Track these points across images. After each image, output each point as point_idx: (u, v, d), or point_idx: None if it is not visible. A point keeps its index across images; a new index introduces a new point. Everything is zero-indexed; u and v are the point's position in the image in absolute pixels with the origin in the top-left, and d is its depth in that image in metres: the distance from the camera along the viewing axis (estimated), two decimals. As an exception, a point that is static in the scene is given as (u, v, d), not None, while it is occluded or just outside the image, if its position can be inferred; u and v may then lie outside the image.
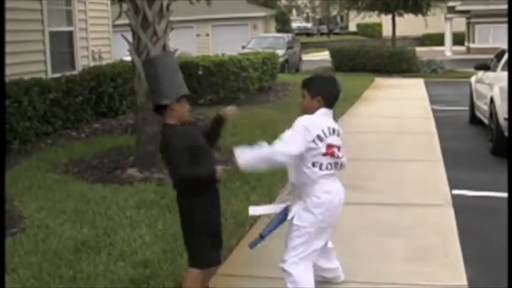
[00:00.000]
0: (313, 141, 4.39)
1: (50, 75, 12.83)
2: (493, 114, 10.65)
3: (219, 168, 4.50)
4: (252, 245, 4.87)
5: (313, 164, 4.45)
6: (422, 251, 6.06)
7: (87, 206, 7.20)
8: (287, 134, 4.42)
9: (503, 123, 9.93)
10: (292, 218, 4.58)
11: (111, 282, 5.19)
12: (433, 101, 17.70)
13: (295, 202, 4.65)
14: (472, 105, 13.56)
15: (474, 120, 13.30)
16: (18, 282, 5.21)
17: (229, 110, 4.73)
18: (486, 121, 11.56)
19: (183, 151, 4.27)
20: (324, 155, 4.44)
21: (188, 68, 15.38)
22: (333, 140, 4.49)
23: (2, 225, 4.85)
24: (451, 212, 7.28)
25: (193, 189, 4.40)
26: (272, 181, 8.33)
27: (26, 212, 7.05)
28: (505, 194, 7.50)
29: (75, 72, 13.44)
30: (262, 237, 4.76)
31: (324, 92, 4.58)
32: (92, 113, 13.00)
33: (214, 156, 4.68)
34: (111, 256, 5.73)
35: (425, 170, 9.41)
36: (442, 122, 13.87)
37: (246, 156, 4.44)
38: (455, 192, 8.14)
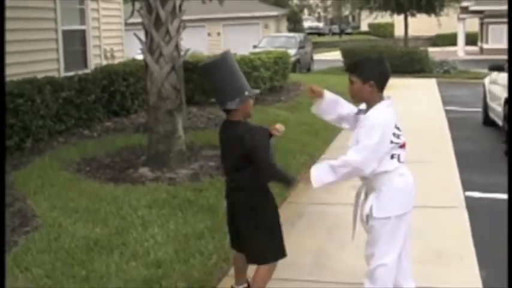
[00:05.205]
0: (391, 140, 4.37)
1: (63, 73, 12.87)
2: (506, 115, 10.58)
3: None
4: None
5: (392, 156, 4.46)
6: (437, 253, 6.02)
7: (100, 205, 7.20)
8: (370, 142, 4.26)
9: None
10: None
11: (123, 282, 5.18)
12: (445, 101, 17.63)
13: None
14: (486, 107, 13.47)
15: (487, 121, 13.22)
16: (31, 281, 5.22)
17: (278, 128, 4.68)
18: (500, 122, 11.50)
19: (267, 147, 4.41)
20: (401, 147, 4.50)
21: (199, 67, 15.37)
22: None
23: (2, 226, 4.85)
24: (464, 214, 7.24)
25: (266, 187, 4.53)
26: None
27: (38, 210, 7.05)
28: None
29: (87, 71, 13.46)
30: None
31: (376, 74, 4.38)
32: (104, 112, 13.00)
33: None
34: (123, 256, 5.73)
35: (438, 172, 9.35)
36: (455, 123, 13.81)
37: (325, 178, 4.32)
38: (469, 194, 8.10)
